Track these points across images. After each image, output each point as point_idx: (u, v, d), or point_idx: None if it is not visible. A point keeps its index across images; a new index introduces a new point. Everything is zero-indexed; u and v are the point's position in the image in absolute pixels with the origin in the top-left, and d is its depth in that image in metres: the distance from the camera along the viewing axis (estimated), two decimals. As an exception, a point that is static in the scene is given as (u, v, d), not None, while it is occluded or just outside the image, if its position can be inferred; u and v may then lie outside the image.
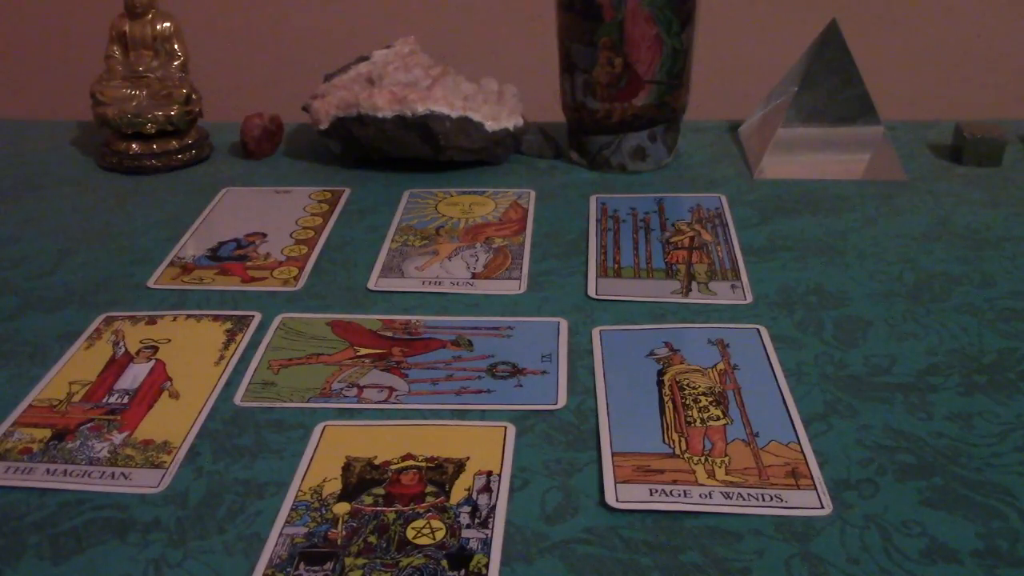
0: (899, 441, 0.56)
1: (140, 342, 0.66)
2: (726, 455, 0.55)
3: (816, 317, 0.68)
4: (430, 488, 0.52)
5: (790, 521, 0.50)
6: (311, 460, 0.55)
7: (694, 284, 0.72)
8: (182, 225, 0.83)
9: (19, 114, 1.26)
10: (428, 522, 0.50)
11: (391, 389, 0.61)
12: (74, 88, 1.07)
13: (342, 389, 0.61)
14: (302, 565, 0.48)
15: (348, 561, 0.48)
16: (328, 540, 0.49)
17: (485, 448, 0.55)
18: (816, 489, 0.52)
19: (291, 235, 0.81)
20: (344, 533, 0.50)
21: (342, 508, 0.51)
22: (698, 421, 0.58)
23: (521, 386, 0.61)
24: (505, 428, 0.57)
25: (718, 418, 0.58)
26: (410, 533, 0.49)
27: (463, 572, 0.47)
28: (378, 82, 0.91)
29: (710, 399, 0.59)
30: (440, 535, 0.49)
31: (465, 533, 0.49)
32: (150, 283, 0.74)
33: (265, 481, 0.54)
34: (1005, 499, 0.51)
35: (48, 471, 0.55)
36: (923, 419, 0.57)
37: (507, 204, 0.86)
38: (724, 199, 0.85)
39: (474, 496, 0.52)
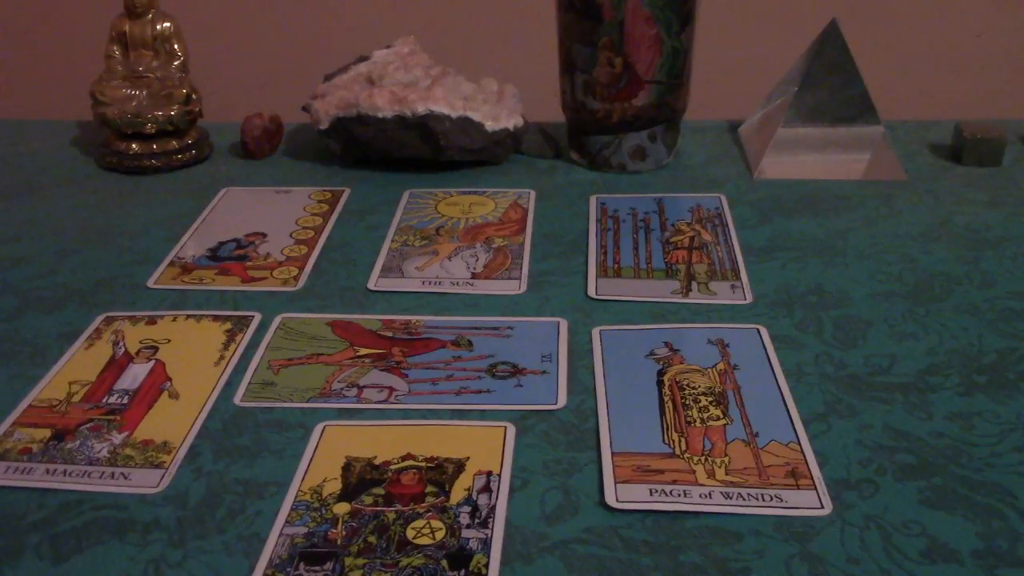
0: (899, 441, 0.56)
1: (140, 342, 0.66)
2: (726, 455, 0.55)
3: (816, 317, 0.68)
4: (430, 488, 0.52)
5: (790, 521, 0.50)
6: (311, 460, 0.55)
7: (694, 284, 0.72)
8: (182, 225, 0.83)
9: (19, 114, 1.25)
10: (428, 522, 0.50)
11: (391, 389, 0.61)
12: (74, 88, 1.07)
13: (342, 389, 0.61)
14: (302, 565, 0.48)
15: (348, 561, 0.48)
16: (328, 540, 0.49)
17: (485, 448, 0.55)
18: (816, 489, 0.52)
19: (291, 235, 0.81)
20: (344, 533, 0.50)
21: (342, 508, 0.51)
22: (698, 421, 0.58)
23: (521, 386, 0.61)
24: (505, 428, 0.57)
25: (718, 418, 0.58)
26: (410, 533, 0.49)
27: (463, 572, 0.47)
28: (378, 82, 0.91)
29: (710, 399, 0.59)
30: (440, 535, 0.49)
31: (465, 533, 0.49)
32: (150, 283, 0.74)
33: (265, 481, 0.54)
34: (1005, 499, 0.51)
35: (48, 471, 0.55)
36: (923, 419, 0.57)
37: (507, 204, 0.86)
38: (724, 199, 0.85)
39: (474, 496, 0.52)
